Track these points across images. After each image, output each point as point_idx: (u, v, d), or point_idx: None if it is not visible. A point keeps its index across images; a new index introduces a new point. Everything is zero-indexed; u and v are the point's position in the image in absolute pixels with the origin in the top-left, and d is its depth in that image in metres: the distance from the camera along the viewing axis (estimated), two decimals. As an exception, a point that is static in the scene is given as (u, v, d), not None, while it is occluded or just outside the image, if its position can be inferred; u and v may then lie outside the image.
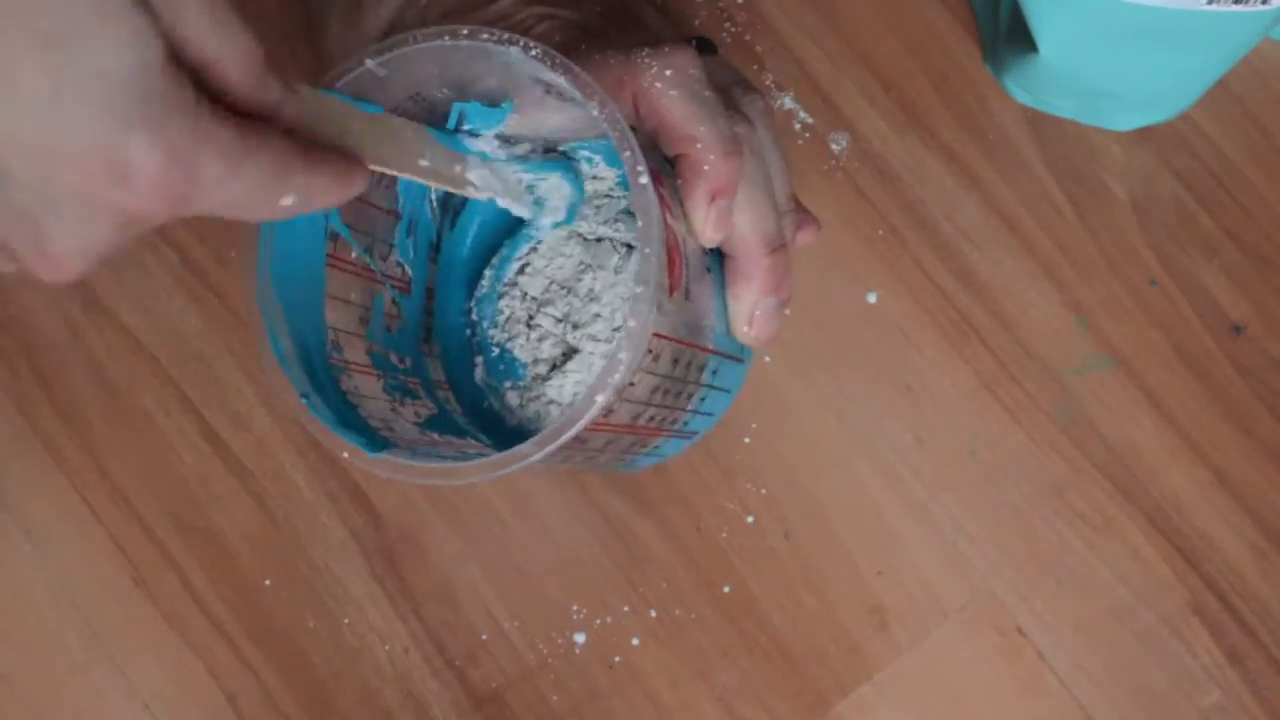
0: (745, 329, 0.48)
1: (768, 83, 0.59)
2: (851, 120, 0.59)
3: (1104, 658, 0.55)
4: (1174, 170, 0.59)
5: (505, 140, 0.49)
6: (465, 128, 0.48)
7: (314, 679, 0.53)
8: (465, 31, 0.44)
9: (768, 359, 0.57)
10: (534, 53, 0.43)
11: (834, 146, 0.59)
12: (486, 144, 0.48)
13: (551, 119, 0.48)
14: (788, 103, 0.59)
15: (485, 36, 0.44)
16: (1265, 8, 0.51)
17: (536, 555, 0.55)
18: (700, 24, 0.60)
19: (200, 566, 0.54)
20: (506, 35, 0.44)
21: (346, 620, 0.54)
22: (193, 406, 0.56)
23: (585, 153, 0.51)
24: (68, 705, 0.53)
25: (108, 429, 0.55)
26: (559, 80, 0.44)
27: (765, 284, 0.47)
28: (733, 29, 0.60)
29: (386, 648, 0.54)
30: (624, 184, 0.51)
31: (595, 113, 0.43)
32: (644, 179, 0.42)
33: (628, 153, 0.42)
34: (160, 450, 0.55)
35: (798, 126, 0.59)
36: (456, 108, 0.48)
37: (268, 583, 0.54)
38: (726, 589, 0.55)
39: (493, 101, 0.48)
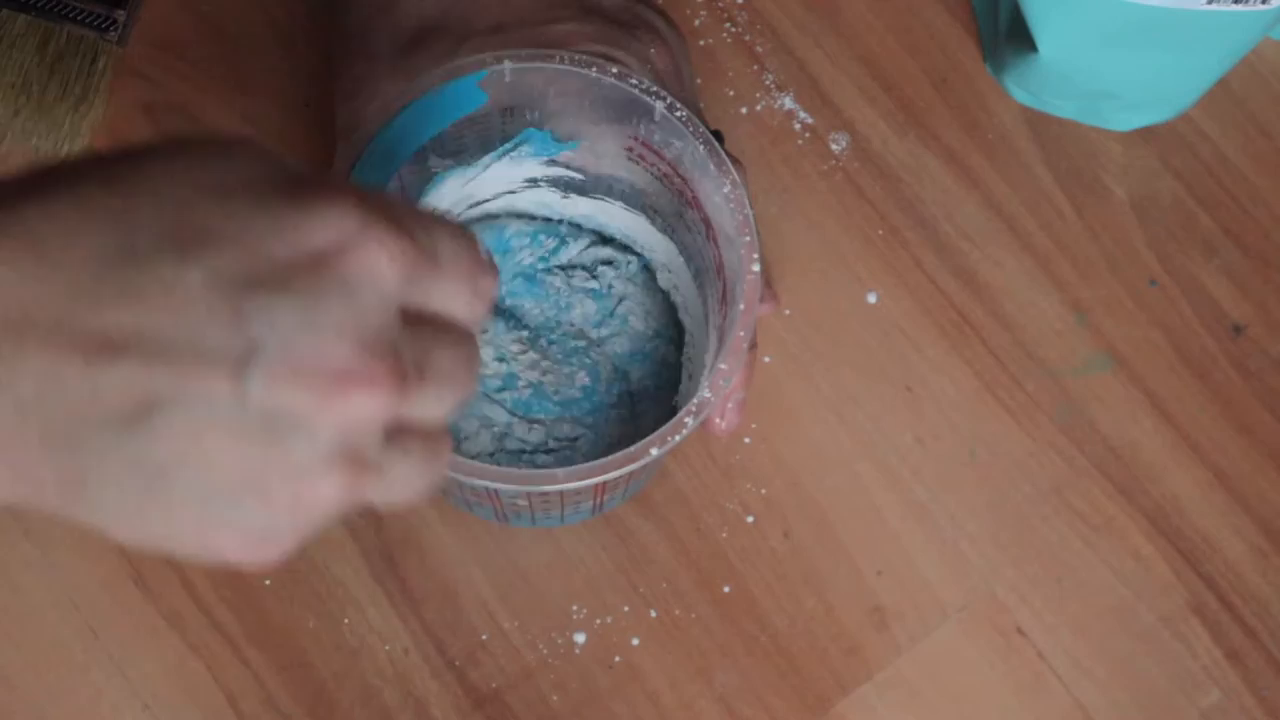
0: (719, 421, 0.51)
1: (768, 83, 0.59)
2: (851, 120, 0.59)
3: (1104, 658, 0.55)
4: (1174, 170, 0.59)
5: (554, 163, 0.50)
6: (521, 149, 0.49)
7: (314, 679, 0.53)
8: (614, 70, 0.45)
9: (767, 359, 0.57)
10: (679, 114, 0.45)
11: (834, 146, 0.59)
12: (530, 168, 0.50)
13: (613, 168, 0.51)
14: (788, 103, 0.59)
15: (634, 82, 0.45)
16: (1265, 8, 0.51)
17: (536, 555, 0.55)
18: (700, 24, 0.60)
19: (200, 566, 0.54)
20: (653, 88, 0.45)
21: (346, 620, 0.54)
22: (193, 406, 0.56)
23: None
24: (68, 705, 0.53)
25: (108, 429, 0.55)
26: (695, 150, 0.45)
27: (744, 377, 0.51)
28: (733, 29, 0.60)
29: (386, 648, 0.54)
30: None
31: (726, 190, 0.44)
32: (757, 266, 0.43)
33: (748, 237, 0.44)
34: (160, 450, 0.55)
35: (798, 126, 0.59)
36: (529, 132, 0.49)
37: (268, 583, 0.54)
38: (726, 589, 0.55)
39: (565, 136, 0.49)
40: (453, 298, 0.33)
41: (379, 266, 0.31)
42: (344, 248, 0.31)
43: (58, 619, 0.53)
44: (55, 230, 0.29)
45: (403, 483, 0.32)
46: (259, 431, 0.30)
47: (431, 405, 0.32)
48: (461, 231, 0.34)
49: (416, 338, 0.32)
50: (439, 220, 0.34)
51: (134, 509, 0.30)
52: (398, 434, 0.32)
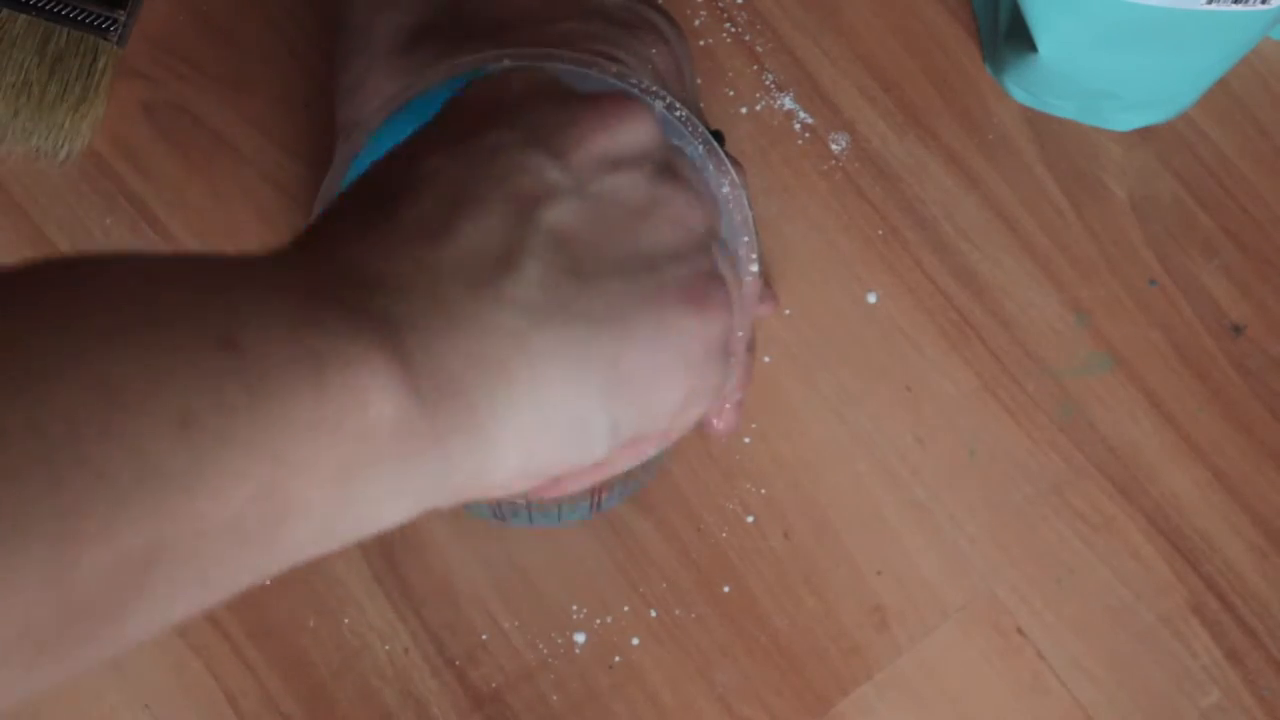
0: (716, 422, 0.51)
1: (768, 83, 0.59)
2: (851, 120, 0.59)
3: (1104, 658, 0.55)
4: (1174, 170, 0.59)
5: None
6: None
7: (314, 679, 0.53)
8: (613, 69, 0.45)
9: (767, 359, 0.57)
10: (679, 114, 0.45)
11: (834, 146, 0.59)
12: None
13: None
14: (788, 103, 0.59)
15: (634, 82, 0.45)
16: (1265, 8, 0.51)
17: (536, 555, 0.55)
18: (700, 24, 0.60)
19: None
20: (653, 88, 0.45)
21: (346, 620, 0.54)
22: (193, 406, 0.56)
23: None
24: (68, 705, 0.53)
25: (108, 429, 0.55)
26: (695, 150, 0.45)
27: (742, 380, 0.50)
28: (733, 29, 0.60)
29: (386, 648, 0.54)
30: None
31: (725, 190, 0.44)
32: (756, 266, 0.43)
33: (746, 238, 0.44)
34: (160, 450, 0.55)
35: (798, 126, 0.59)
36: None
37: (268, 582, 0.54)
38: (726, 589, 0.55)
39: None
40: None
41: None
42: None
43: (58, 619, 0.53)
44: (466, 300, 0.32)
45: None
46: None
47: None
48: None
49: None
50: None
51: (598, 333, 0.33)
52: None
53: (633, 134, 0.35)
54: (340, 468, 0.29)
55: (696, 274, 0.35)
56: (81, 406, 0.26)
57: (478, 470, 0.32)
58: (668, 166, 0.36)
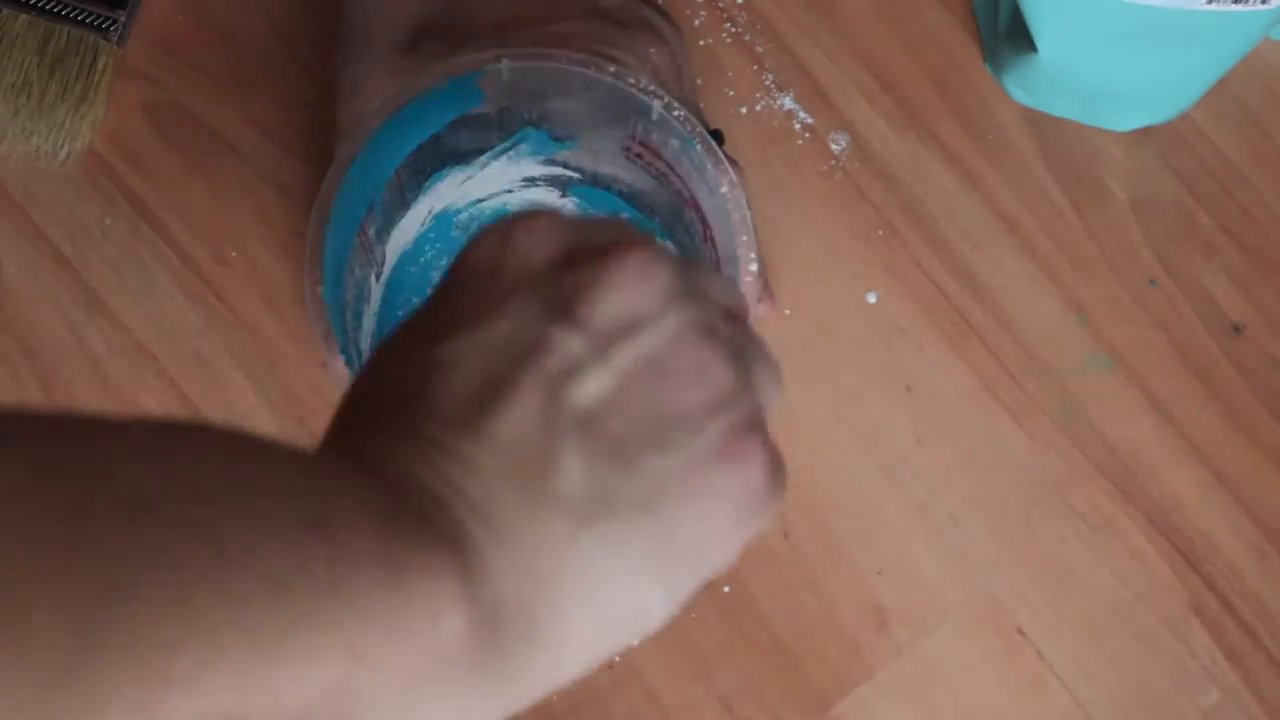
0: None
1: (768, 83, 0.59)
2: (851, 120, 0.59)
3: (1104, 658, 0.55)
4: (1174, 170, 0.59)
5: (552, 162, 0.50)
6: (519, 148, 0.49)
7: (314, 679, 0.53)
8: (612, 69, 0.45)
9: (768, 359, 0.57)
10: (677, 113, 0.45)
11: (834, 146, 0.59)
12: (528, 167, 0.50)
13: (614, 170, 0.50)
14: (788, 103, 0.59)
15: (632, 81, 0.45)
16: (1265, 8, 0.51)
17: (536, 555, 0.55)
18: (700, 24, 0.60)
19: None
20: (651, 88, 0.45)
21: (346, 620, 0.54)
22: (193, 406, 0.56)
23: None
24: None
25: (108, 429, 0.55)
26: (693, 150, 0.45)
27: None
28: (733, 29, 0.60)
29: (386, 648, 0.54)
30: None
31: (724, 190, 0.44)
32: (755, 266, 0.43)
33: (744, 237, 0.44)
34: (160, 450, 0.55)
35: (798, 126, 0.59)
36: (526, 131, 0.49)
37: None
38: (726, 589, 0.55)
39: (563, 135, 0.49)
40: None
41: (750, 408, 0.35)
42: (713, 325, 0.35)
43: (58, 619, 0.53)
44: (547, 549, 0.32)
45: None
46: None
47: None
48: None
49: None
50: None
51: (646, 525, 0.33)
52: None
53: (650, 284, 0.34)
54: (411, 674, 0.29)
55: (733, 427, 0.34)
56: (189, 551, 0.26)
57: (542, 676, 0.32)
58: (690, 308, 0.35)
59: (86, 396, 0.56)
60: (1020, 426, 0.56)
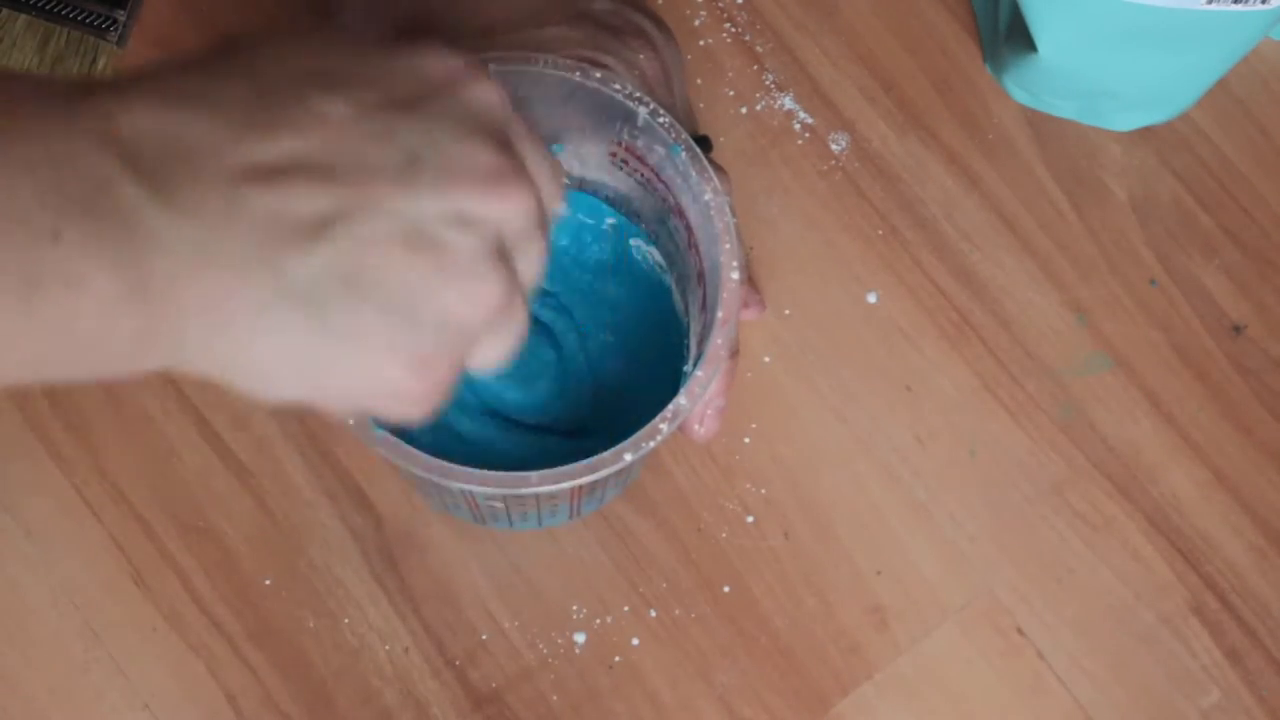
0: (698, 427, 0.51)
1: (768, 83, 0.59)
2: (851, 120, 0.59)
3: (1104, 658, 0.55)
4: (1174, 170, 0.59)
5: None
6: None
7: (314, 679, 0.53)
8: (598, 75, 0.45)
9: (767, 359, 0.57)
10: (662, 120, 0.45)
11: (834, 146, 0.59)
12: None
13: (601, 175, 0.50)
14: (788, 103, 0.59)
15: (617, 88, 0.45)
16: (1265, 8, 0.51)
17: (536, 555, 0.55)
18: (700, 24, 0.60)
19: (200, 566, 0.54)
20: (637, 94, 0.45)
21: (346, 620, 0.54)
22: (193, 406, 0.56)
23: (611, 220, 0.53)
24: (68, 705, 0.53)
25: (108, 429, 0.55)
26: (678, 156, 0.45)
27: (723, 384, 0.51)
28: (733, 29, 0.60)
29: (386, 648, 0.54)
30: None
31: (707, 197, 0.44)
32: (736, 274, 0.43)
33: (727, 245, 0.44)
34: (160, 450, 0.55)
35: (798, 126, 0.59)
36: None
37: (268, 582, 0.54)
38: (726, 589, 0.55)
39: (549, 140, 0.49)
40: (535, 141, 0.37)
41: (490, 94, 0.35)
42: (458, 79, 0.35)
43: (58, 619, 0.53)
44: (197, 86, 0.32)
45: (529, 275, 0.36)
46: (430, 235, 0.33)
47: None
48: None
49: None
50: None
51: (310, 335, 0.32)
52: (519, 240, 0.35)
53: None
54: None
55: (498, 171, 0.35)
56: None
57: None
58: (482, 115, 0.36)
59: (86, 396, 0.56)
60: (1020, 426, 0.57)
